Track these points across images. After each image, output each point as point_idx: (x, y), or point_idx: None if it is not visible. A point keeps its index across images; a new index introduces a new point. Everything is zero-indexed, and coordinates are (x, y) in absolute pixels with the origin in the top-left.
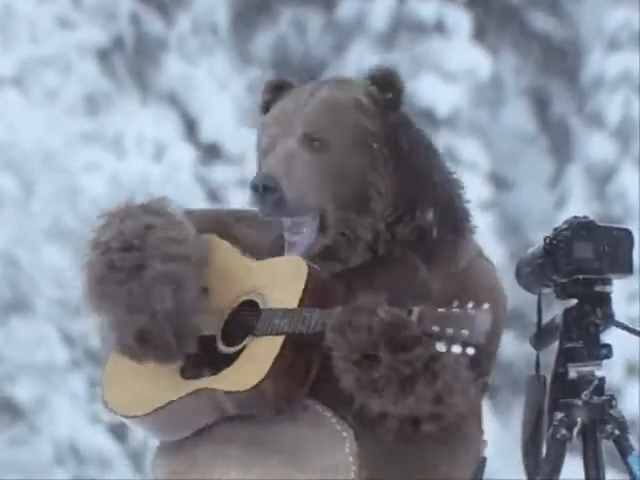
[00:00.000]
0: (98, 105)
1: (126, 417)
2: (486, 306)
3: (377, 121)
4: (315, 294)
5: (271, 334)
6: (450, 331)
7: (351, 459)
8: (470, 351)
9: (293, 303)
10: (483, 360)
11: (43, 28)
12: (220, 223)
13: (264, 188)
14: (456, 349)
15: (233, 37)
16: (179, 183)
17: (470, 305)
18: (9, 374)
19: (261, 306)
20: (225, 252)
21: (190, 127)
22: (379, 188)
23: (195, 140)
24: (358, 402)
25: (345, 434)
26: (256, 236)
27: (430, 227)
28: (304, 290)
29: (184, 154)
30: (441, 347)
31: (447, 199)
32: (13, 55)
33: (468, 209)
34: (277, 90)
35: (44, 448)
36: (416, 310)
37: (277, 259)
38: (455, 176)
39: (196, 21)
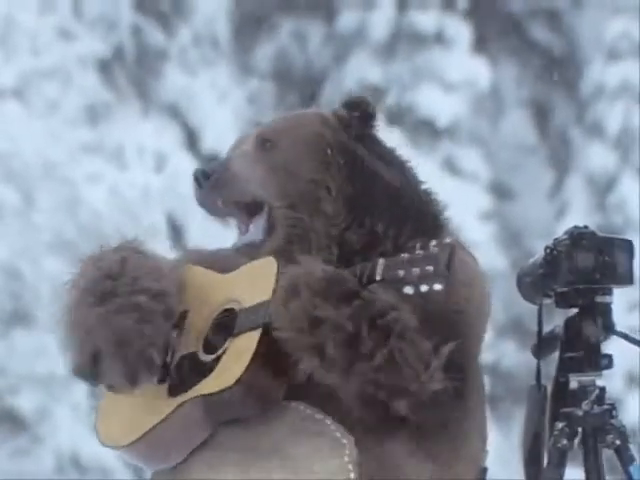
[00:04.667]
0: (99, 116)
1: (117, 448)
2: (447, 240)
3: (336, 132)
4: None
5: (248, 330)
6: (416, 271)
7: (351, 467)
8: (437, 286)
9: (266, 295)
10: (462, 327)
11: (44, 39)
12: (195, 256)
13: (202, 174)
14: (424, 288)
15: (234, 48)
16: (180, 194)
17: (433, 243)
18: (11, 385)
19: (237, 310)
20: (201, 274)
21: (191, 138)
22: (330, 189)
23: (196, 151)
24: (314, 379)
25: (345, 441)
26: (230, 256)
27: (382, 235)
28: (275, 283)
29: (185, 165)
30: (409, 289)
31: (410, 208)
32: (14, 66)
33: (439, 212)
34: None
35: (46, 458)
36: (381, 261)
37: (247, 265)
38: (425, 186)
39: (197, 32)
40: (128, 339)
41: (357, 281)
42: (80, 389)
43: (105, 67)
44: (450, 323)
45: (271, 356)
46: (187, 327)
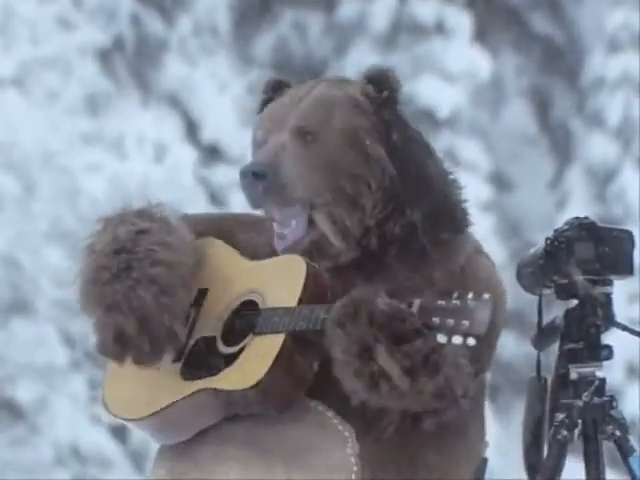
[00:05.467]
0: (99, 106)
1: (126, 420)
2: (486, 296)
3: (371, 118)
4: (314, 291)
5: (271, 332)
6: (451, 322)
7: (353, 460)
8: (471, 342)
9: (292, 301)
10: (483, 354)
11: (43, 29)
12: (220, 226)
13: (253, 174)
14: (457, 340)
15: (234, 38)
16: (180, 184)
17: (470, 296)
18: (10, 375)
19: (261, 306)
20: (224, 254)
21: (191, 128)
22: (370, 184)
23: (196, 141)
24: (358, 398)
25: (347, 434)
26: (256, 239)
27: (420, 225)
28: (303, 288)
29: (185, 155)
30: (442, 338)
31: (442, 197)
32: (13, 56)
33: (466, 207)
34: (275, 90)
35: (45, 449)
36: (417, 302)
37: (276, 259)
38: (452, 175)
39: (197, 22)
40: (149, 314)
41: (416, 317)
42: (79, 379)
43: (105, 57)
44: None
45: (292, 363)
46: (206, 307)
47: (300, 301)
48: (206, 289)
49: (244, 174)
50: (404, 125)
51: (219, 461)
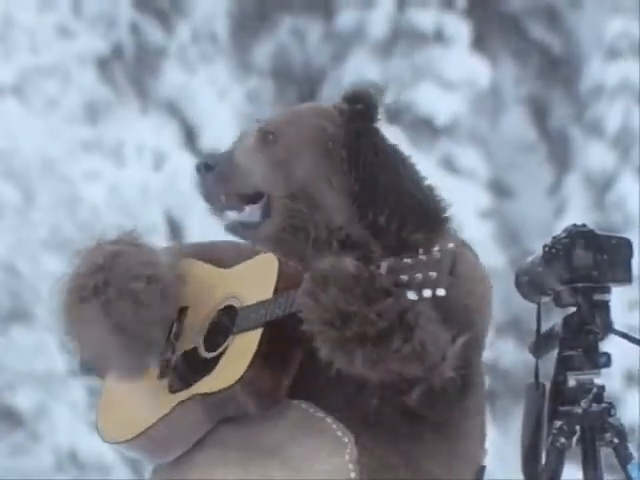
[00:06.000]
0: (98, 114)
1: (118, 443)
2: (451, 245)
3: (338, 126)
4: (288, 284)
5: (249, 328)
6: (419, 276)
7: (351, 466)
8: (441, 292)
9: (268, 295)
10: (460, 318)
11: (43, 37)
12: (198, 248)
13: (204, 166)
14: (427, 293)
15: (233, 46)
16: (179, 192)
17: (436, 248)
18: (9, 382)
19: (238, 307)
20: (200, 269)
21: (190, 136)
22: (331, 182)
23: (195, 148)
24: (336, 367)
25: (346, 439)
26: (235, 251)
27: (383, 228)
28: (277, 279)
29: (184, 163)
30: (412, 295)
31: (412, 201)
32: (13, 64)
33: (441, 207)
34: None
35: (44, 456)
36: (384, 264)
37: (248, 261)
38: (427, 182)
39: (196, 30)
40: (127, 325)
41: (386, 277)
42: (78, 386)
43: (104, 65)
44: (457, 318)
45: (273, 355)
46: (187, 323)
47: (275, 292)
48: (186, 307)
49: (196, 168)
50: (375, 137)
51: (217, 465)
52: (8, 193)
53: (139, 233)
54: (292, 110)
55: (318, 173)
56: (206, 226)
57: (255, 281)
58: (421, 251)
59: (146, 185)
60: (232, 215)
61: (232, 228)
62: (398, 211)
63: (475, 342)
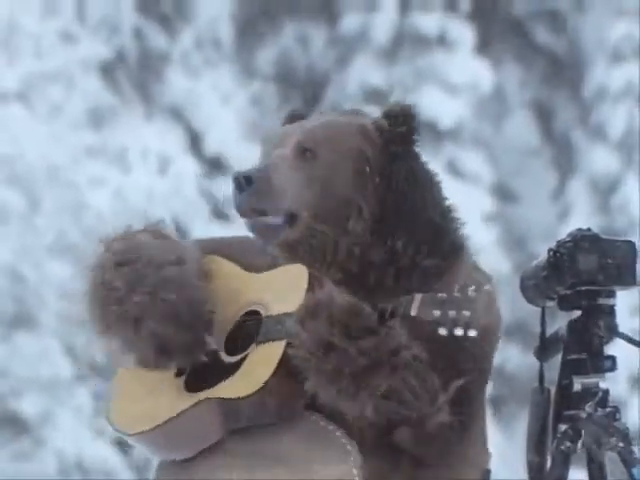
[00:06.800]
0: (102, 119)
1: (129, 435)
2: (487, 287)
3: (376, 148)
4: None
5: (273, 339)
6: (452, 313)
7: (355, 472)
8: (472, 333)
9: (294, 308)
10: (470, 357)
11: (47, 43)
12: (219, 246)
13: (246, 180)
14: (459, 331)
15: (236, 51)
16: (184, 196)
17: (472, 288)
18: (14, 388)
19: (263, 315)
20: (226, 269)
21: (194, 141)
22: (361, 210)
23: (199, 153)
24: (320, 398)
25: (350, 447)
26: (254, 255)
27: (400, 251)
28: (305, 295)
29: (188, 168)
30: (443, 331)
31: (429, 227)
32: (17, 70)
33: (458, 230)
34: (293, 120)
35: (49, 461)
36: (418, 297)
37: (278, 269)
38: (453, 213)
39: (199, 35)
40: (180, 312)
41: (377, 317)
42: (83, 392)
43: (108, 70)
44: (465, 361)
45: (294, 368)
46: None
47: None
48: (212, 311)
49: (234, 178)
50: (412, 163)
51: (223, 471)
52: (13, 199)
53: (163, 223)
54: (332, 124)
55: (351, 198)
56: (210, 231)
57: (283, 291)
58: (457, 288)
59: (151, 190)
60: (258, 220)
61: (253, 227)
62: (416, 237)
63: (478, 379)
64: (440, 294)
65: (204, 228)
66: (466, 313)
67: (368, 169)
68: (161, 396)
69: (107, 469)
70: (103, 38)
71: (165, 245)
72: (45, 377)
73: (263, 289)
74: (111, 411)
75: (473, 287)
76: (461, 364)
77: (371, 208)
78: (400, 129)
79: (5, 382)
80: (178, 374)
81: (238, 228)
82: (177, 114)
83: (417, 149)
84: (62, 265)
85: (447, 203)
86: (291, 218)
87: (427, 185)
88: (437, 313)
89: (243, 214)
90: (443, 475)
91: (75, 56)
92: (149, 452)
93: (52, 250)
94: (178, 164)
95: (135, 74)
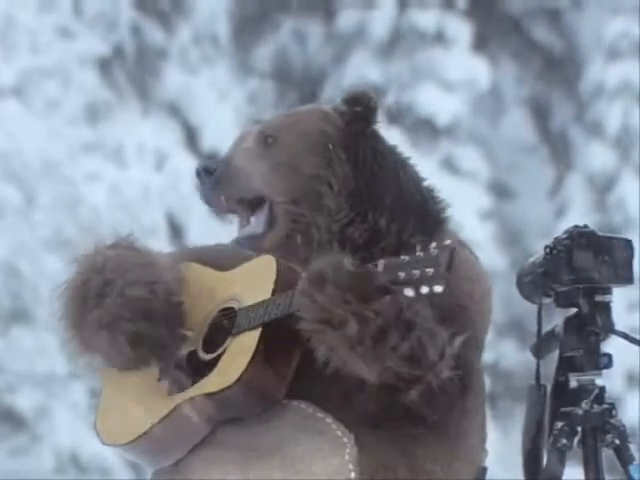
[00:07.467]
0: (99, 115)
1: (118, 446)
2: (447, 242)
3: (337, 128)
4: (287, 284)
5: (248, 329)
6: (416, 273)
7: (350, 466)
8: (438, 289)
9: (267, 296)
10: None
11: (44, 38)
12: (191, 254)
13: (205, 171)
14: (424, 289)
15: (233, 47)
16: (180, 192)
17: (433, 245)
18: (10, 384)
19: (237, 308)
20: (199, 272)
21: (191, 137)
22: (332, 185)
23: (196, 150)
24: (333, 367)
25: (345, 440)
26: (228, 251)
27: (384, 230)
28: (275, 280)
29: (185, 164)
30: (409, 292)
31: (411, 203)
32: (14, 65)
33: (441, 208)
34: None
35: (45, 457)
36: (381, 262)
37: (247, 263)
38: (427, 183)
39: (196, 31)
40: (150, 305)
41: (383, 275)
42: (79, 388)
43: (105, 66)
44: (456, 318)
45: (272, 355)
46: (187, 326)
47: (274, 292)
48: (181, 302)
49: (196, 172)
50: (374, 139)
51: (215, 467)
52: (9, 194)
53: (135, 237)
54: (291, 112)
55: (319, 176)
56: (207, 227)
57: (254, 282)
58: (418, 248)
59: (147, 186)
60: (240, 233)
61: (239, 243)
62: (398, 213)
63: (474, 342)
64: (402, 256)
65: (200, 224)
66: (429, 270)
67: (331, 146)
68: (145, 403)
69: (104, 465)
70: (100, 33)
71: (134, 255)
72: (41, 372)
73: (235, 284)
74: (98, 424)
75: (434, 244)
76: (456, 322)
77: (341, 183)
78: (357, 109)
79: (1, 377)
80: (161, 379)
81: (234, 224)
82: (174, 110)
83: (379, 130)
84: (58, 260)
85: (426, 183)
86: (269, 219)
87: (398, 163)
88: (402, 275)
89: (210, 204)
90: (439, 472)
91: (72, 51)
92: (142, 462)
93: (48, 245)
94: (175, 160)
95: (132, 70)
